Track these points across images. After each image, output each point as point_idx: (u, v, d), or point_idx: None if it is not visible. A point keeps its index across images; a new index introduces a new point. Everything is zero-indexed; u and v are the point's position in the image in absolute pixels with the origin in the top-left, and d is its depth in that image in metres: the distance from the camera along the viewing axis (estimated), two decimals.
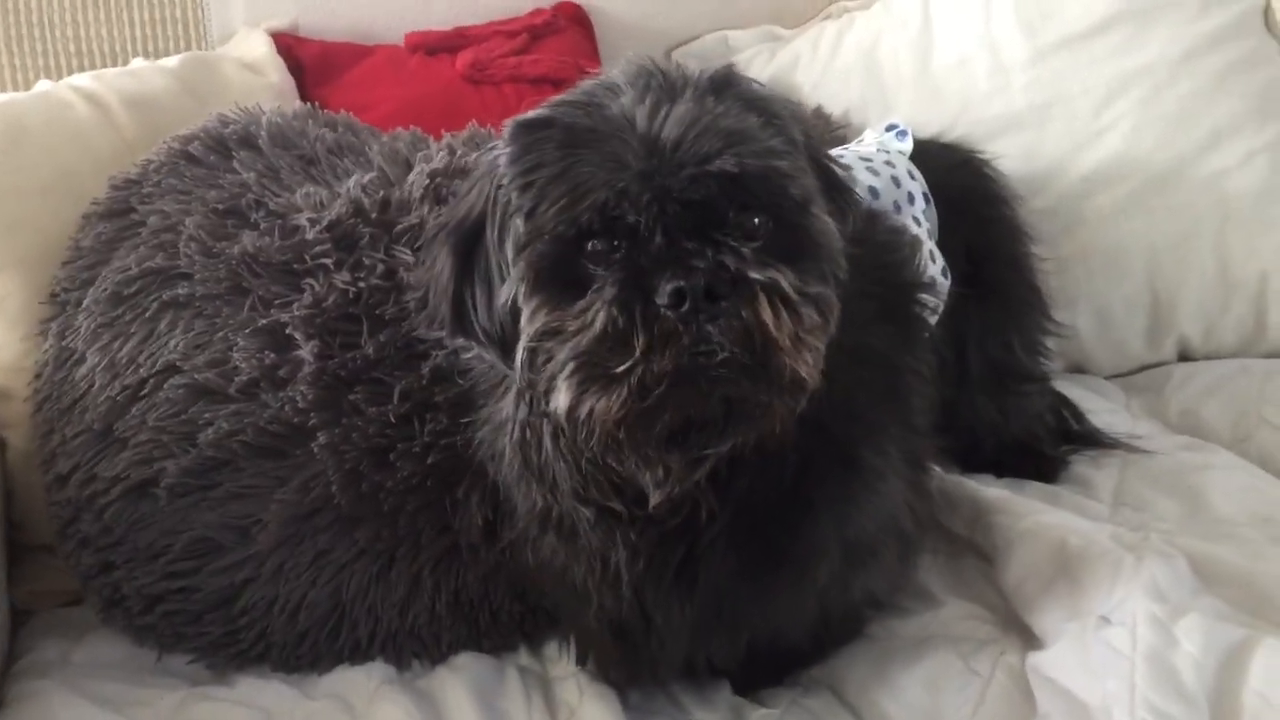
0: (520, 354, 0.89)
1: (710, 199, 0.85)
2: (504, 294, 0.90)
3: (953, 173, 1.43)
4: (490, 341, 0.94)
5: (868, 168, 1.30)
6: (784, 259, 0.87)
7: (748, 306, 0.84)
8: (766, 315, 0.84)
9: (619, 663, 1.13)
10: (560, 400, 0.86)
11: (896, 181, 1.30)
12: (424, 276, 1.02)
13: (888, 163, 1.32)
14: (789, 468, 1.00)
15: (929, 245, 1.29)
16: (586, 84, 0.94)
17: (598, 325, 0.84)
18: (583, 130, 0.88)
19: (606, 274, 0.85)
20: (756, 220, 0.87)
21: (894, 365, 1.12)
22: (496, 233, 0.91)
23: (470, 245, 0.94)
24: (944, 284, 1.29)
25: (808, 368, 0.86)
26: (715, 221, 0.86)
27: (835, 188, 0.98)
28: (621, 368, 0.83)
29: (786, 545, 1.04)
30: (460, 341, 1.00)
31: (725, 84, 0.92)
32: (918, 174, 1.35)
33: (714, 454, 0.92)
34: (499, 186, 0.91)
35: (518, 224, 0.88)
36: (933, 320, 1.26)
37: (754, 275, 0.84)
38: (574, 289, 0.86)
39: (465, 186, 0.99)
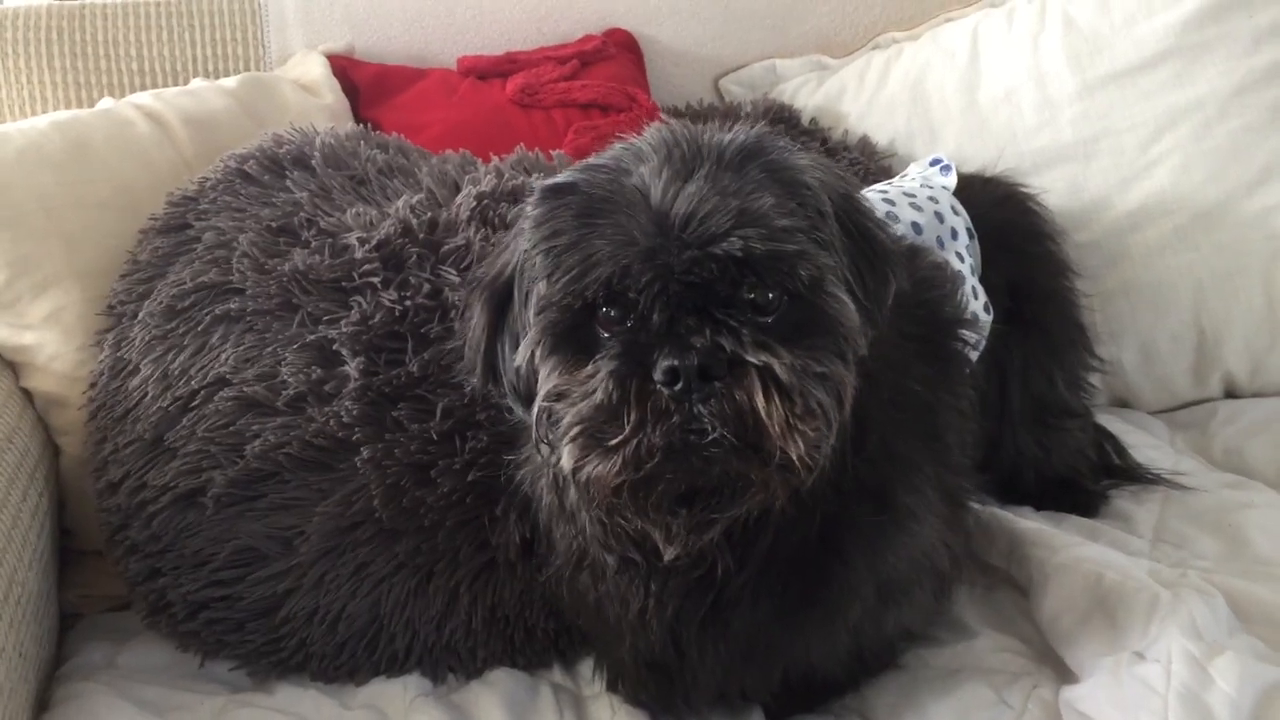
0: (535, 411, 0.91)
1: (713, 280, 0.86)
2: (522, 353, 0.92)
3: (996, 208, 1.43)
4: (516, 395, 0.97)
5: (911, 203, 1.30)
6: (795, 336, 0.87)
7: (741, 389, 0.84)
8: (759, 400, 0.84)
9: (651, 691, 1.14)
10: (565, 461, 0.88)
11: (940, 217, 1.30)
12: (463, 328, 1.05)
13: (931, 198, 1.33)
14: (816, 521, 0.99)
15: (971, 281, 1.29)
16: (616, 148, 0.95)
17: (597, 396, 0.85)
18: (600, 200, 0.89)
19: (613, 344, 0.87)
20: (770, 295, 0.87)
21: (932, 404, 1.11)
22: (522, 293, 0.94)
23: (502, 301, 0.97)
24: (986, 319, 1.29)
25: (800, 450, 0.86)
26: (719, 300, 0.86)
27: (876, 254, 0.96)
28: (615, 440, 0.85)
29: (818, 589, 1.04)
30: (492, 390, 1.02)
31: (752, 155, 0.91)
32: (961, 209, 1.35)
33: (722, 518, 0.92)
34: (525, 249, 0.93)
35: (540, 287, 0.90)
36: (973, 356, 1.26)
37: (749, 358, 0.84)
38: (585, 353, 0.88)
39: (503, 242, 1.01)
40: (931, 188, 1.35)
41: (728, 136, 0.93)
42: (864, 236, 0.95)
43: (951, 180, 1.39)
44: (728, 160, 0.90)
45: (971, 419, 1.21)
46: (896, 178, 1.50)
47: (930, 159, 1.48)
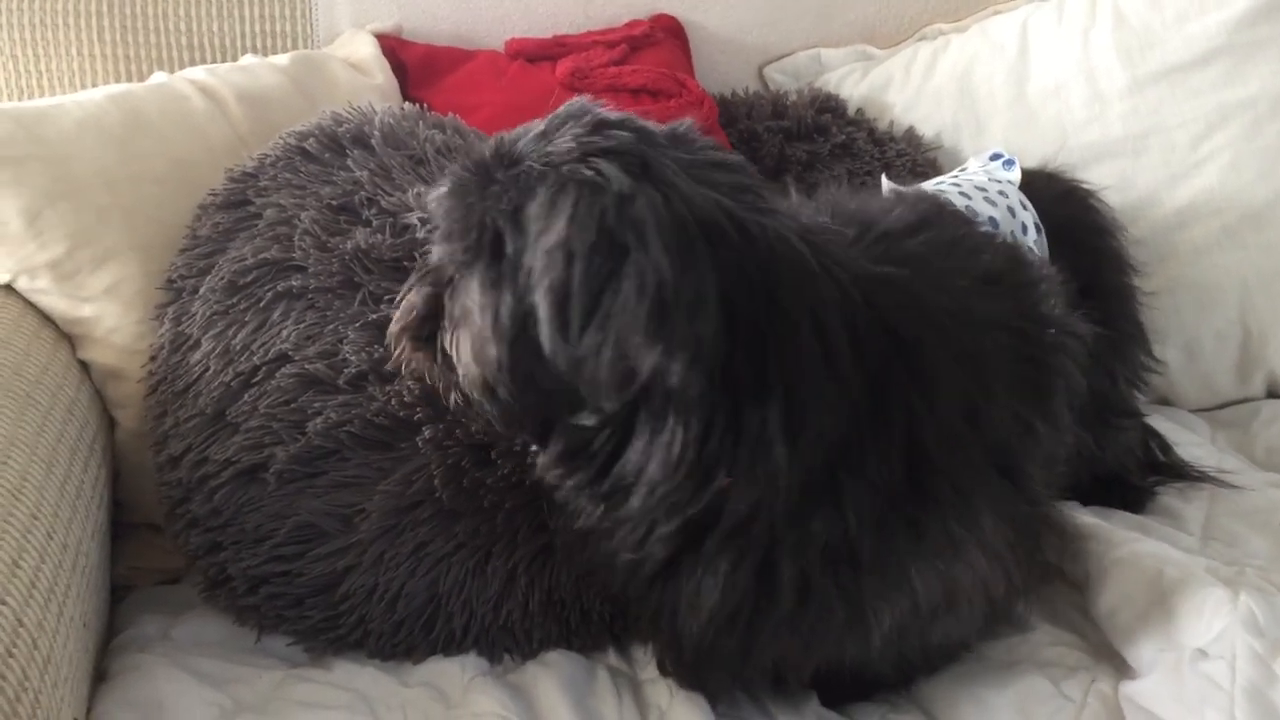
0: None
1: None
2: None
3: (1058, 203, 1.42)
4: None
5: (984, 197, 1.30)
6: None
7: None
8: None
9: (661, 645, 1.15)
10: None
11: (1011, 212, 1.30)
12: None
13: (1001, 193, 1.32)
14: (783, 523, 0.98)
15: None
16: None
17: None
18: None
19: None
20: None
21: (1010, 435, 1.07)
22: None
23: None
24: None
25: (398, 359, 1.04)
26: None
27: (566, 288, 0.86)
28: None
29: (823, 594, 1.01)
30: None
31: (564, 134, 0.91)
32: (1028, 204, 1.34)
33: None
34: None
35: None
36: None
37: (413, 283, 1.02)
38: None
39: None
40: (999, 182, 1.35)
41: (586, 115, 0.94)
42: (552, 264, 0.86)
43: (1016, 175, 1.39)
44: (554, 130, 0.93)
45: (1068, 433, 1.18)
46: (956, 170, 1.49)
47: (990, 153, 1.47)
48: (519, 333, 0.88)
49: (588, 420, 0.92)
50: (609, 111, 0.94)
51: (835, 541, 0.98)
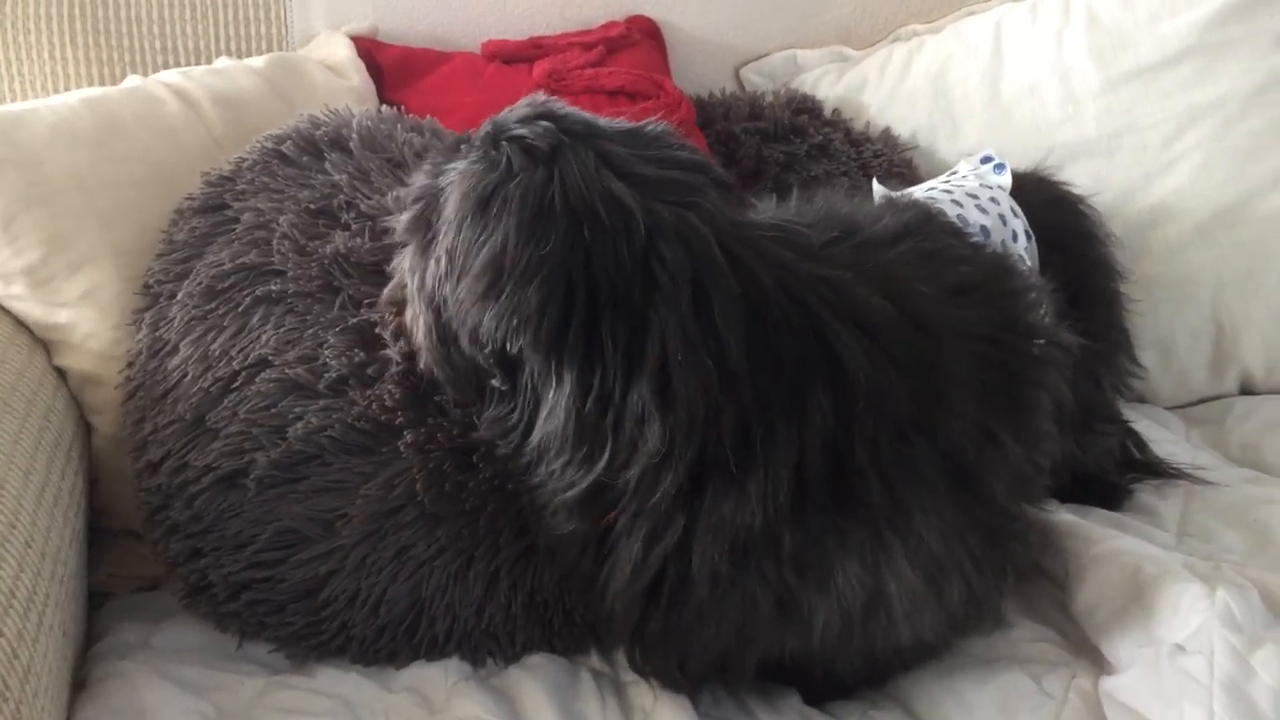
0: None
1: None
2: None
3: (1047, 208, 1.43)
4: None
5: (976, 205, 1.30)
6: None
7: None
8: None
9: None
10: None
11: (1003, 219, 1.30)
12: None
13: (993, 199, 1.32)
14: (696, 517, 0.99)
15: None
16: None
17: None
18: None
19: None
20: None
21: (974, 441, 1.06)
22: None
23: None
24: None
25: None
26: None
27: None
28: None
29: (747, 588, 1.02)
30: None
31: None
32: (1019, 211, 1.35)
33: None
34: None
35: None
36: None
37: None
38: None
39: None
40: (990, 188, 1.34)
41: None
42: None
43: (1006, 180, 1.38)
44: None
45: (1052, 443, 1.17)
46: (947, 174, 1.49)
47: (981, 156, 1.47)
48: (438, 297, 0.99)
49: (499, 385, 1.00)
50: (557, 105, 1.01)
51: (750, 531, 0.98)
